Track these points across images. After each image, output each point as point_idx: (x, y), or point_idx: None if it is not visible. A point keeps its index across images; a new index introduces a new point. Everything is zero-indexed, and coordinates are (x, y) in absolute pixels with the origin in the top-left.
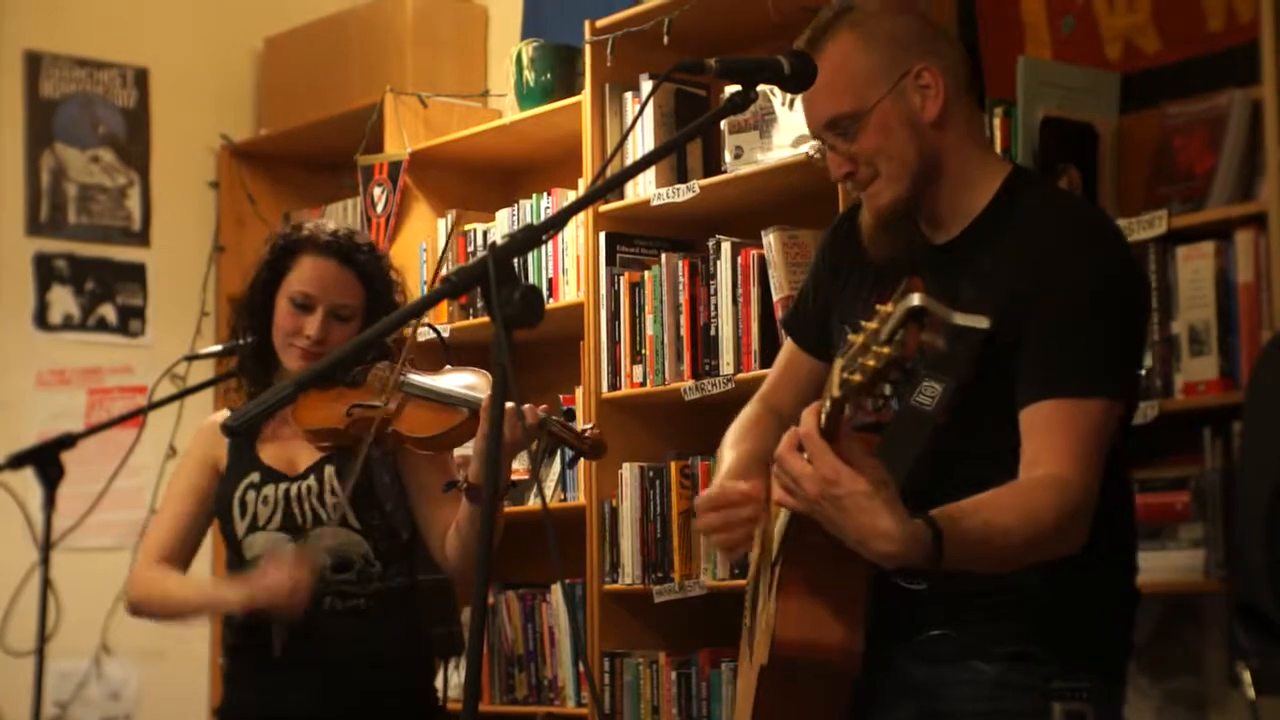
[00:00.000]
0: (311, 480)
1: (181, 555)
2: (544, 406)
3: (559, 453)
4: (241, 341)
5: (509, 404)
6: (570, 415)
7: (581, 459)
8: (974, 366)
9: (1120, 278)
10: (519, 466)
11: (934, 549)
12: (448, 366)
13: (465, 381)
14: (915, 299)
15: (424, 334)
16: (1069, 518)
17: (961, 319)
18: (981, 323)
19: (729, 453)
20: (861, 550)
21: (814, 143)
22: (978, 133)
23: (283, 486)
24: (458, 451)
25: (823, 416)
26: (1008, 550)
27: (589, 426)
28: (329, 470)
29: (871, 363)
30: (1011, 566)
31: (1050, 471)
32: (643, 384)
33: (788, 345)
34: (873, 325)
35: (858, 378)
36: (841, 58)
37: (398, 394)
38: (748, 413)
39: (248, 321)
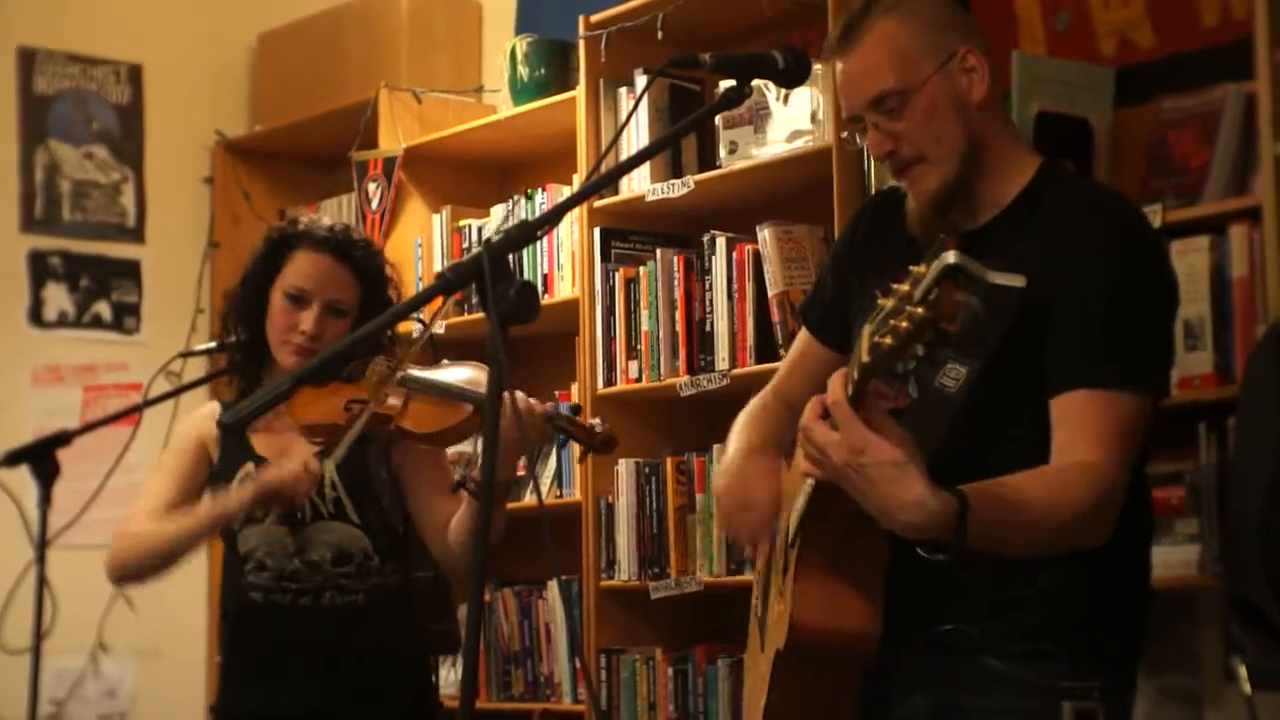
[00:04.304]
0: None
1: None
2: (549, 404)
3: (564, 446)
4: (234, 337)
5: (511, 401)
6: (576, 411)
7: (592, 453)
8: (1002, 339)
9: (1155, 271)
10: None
11: (960, 522)
12: (445, 361)
13: (465, 375)
14: (950, 256)
15: (414, 329)
16: (1099, 507)
17: (997, 277)
18: (1018, 281)
19: (734, 440)
20: (886, 520)
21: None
22: (1011, 122)
23: None
24: (456, 447)
25: (850, 384)
26: (1034, 532)
27: (597, 421)
28: (328, 464)
29: (904, 324)
30: (1036, 551)
31: (1084, 459)
32: (638, 380)
33: (802, 334)
34: (904, 287)
35: (889, 340)
36: (886, 38)
37: (401, 390)
38: (757, 401)
39: (240, 317)
